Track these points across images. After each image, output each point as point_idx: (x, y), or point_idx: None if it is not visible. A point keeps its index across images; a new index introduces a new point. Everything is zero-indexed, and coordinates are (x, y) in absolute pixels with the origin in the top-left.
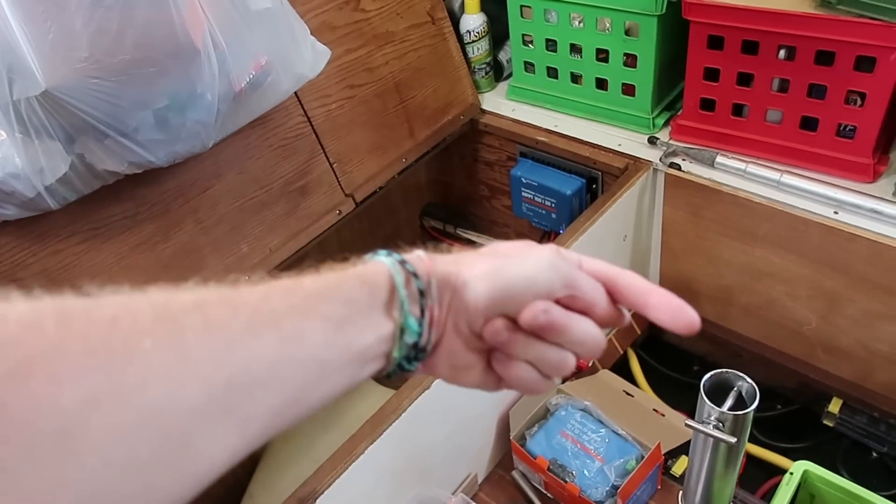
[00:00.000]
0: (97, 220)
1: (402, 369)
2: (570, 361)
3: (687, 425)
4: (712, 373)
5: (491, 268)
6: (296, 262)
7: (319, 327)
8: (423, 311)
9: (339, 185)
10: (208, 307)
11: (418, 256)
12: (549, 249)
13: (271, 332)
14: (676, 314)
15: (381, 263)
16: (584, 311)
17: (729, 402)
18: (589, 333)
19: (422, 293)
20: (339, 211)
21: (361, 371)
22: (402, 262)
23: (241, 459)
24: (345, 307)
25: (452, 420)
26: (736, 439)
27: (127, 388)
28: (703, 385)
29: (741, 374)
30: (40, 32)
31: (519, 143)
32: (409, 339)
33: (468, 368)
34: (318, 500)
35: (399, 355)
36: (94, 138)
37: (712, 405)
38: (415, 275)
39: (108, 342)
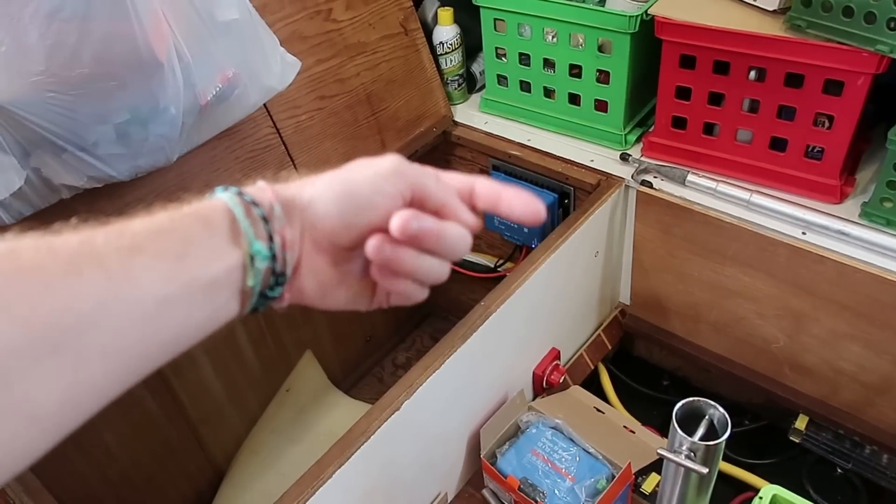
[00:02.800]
0: None
1: (266, 298)
2: (447, 268)
3: (659, 454)
4: (684, 401)
5: (333, 180)
6: None
7: (152, 263)
8: (271, 237)
9: None
10: (21, 251)
11: (258, 187)
12: (391, 157)
13: (95, 272)
14: (526, 205)
15: (217, 199)
16: (438, 215)
17: (700, 432)
18: (459, 235)
19: (265, 219)
20: None
21: (216, 304)
22: (240, 194)
23: (88, 399)
24: (181, 243)
25: (422, 439)
26: (707, 469)
27: None
28: (675, 414)
29: (712, 403)
30: None
31: (491, 157)
32: (261, 264)
33: (338, 285)
34: None
35: (255, 282)
36: (51, 153)
37: (684, 435)
38: (254, 203)
39: None
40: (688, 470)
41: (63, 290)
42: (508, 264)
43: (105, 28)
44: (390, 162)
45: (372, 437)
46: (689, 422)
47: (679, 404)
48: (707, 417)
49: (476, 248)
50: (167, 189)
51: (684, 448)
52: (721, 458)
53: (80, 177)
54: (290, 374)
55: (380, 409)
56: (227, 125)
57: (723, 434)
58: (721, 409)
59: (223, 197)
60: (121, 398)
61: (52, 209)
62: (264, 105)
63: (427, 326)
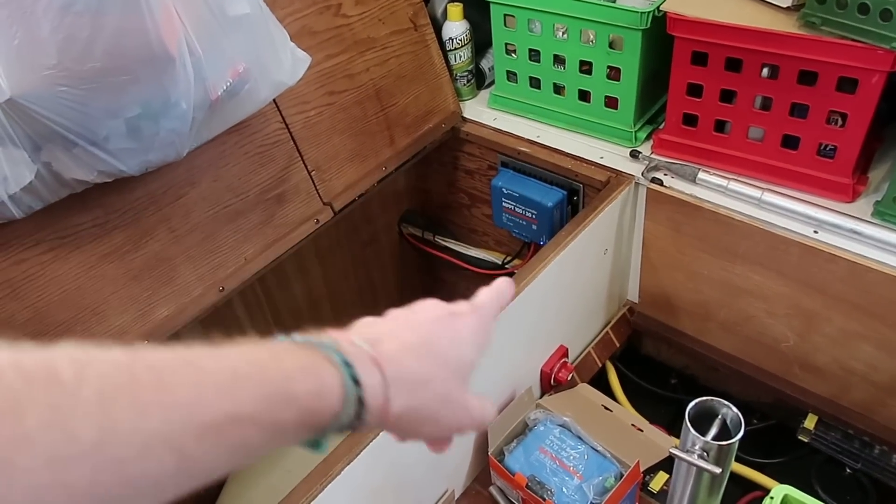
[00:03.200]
0: (64, 229)
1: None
2: None
3: (671, 453)
4: (697, 401)
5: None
6: (272, 273)
7: (226, 453)
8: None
9: (318, 193)
10: (111, 409)
11: (367, 364)
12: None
13: (169, 456)
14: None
15: (333, 381)
16: None
17: (713, 431)
18: None
19: (361, 401)
20: (317, 220)
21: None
22: (356, 381)
23: None
24: (293, 426)
25: None
26: (721, 469)
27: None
28: (688, 413)
29: (725, 402)
30: (5, 39)
31: (500, 153)
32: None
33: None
34: None
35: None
36: (61, 147)
37: (697, 434)
38: (359, 386)
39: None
40: (700, 470)
41: (134, 473)
42: (516, 261)
43: (117, 22)
44: (471, 326)
45: (380, 434)
46: (702, 421)
47: (692, 403)
48: (720, 417)
49: (483, 245)
50: (176, 184)
51: (697, 447)
52: (734, 457)
53: (90, 171)
54: None
55: None
56: (237, 120)
57: (736, 434)
58: (734, 409)
59: (343, 390)
60: None
61: (63, 203)
62: (274, 100)
63: None
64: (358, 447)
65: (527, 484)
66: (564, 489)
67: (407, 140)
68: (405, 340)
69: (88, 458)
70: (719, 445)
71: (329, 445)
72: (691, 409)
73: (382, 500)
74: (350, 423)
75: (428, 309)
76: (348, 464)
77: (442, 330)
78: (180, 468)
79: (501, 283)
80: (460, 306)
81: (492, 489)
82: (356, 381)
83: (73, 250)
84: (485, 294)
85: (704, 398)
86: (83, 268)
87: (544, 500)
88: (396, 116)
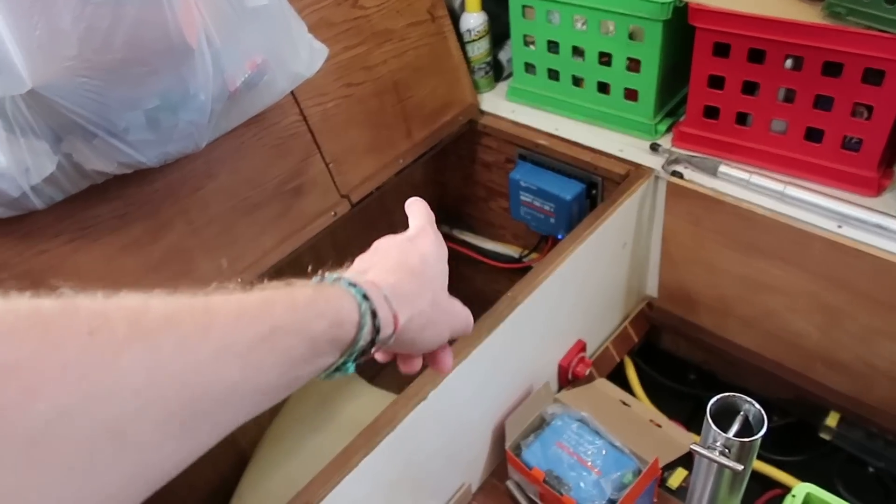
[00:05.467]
0: (85, 220)
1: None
2: None
3: (692, 449)
4: (719, 396)
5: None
6: (289, 265)
7: (281, 362)
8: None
9: (335, 185)
10: (182, 325)
11: (375, 292)
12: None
13: (235, 361)
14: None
15: (351, 306)
16: None
17: (735, 428)
18: None
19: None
20: (335, 212)
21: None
22: (372, 313)
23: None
24: (311, 351)
25: (448, 430)
26: (742, 467)
27: (97, 402)
28: (710, 409)
29: (748, 399)
30: (26, 29)
31: (518, 146)
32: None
33: None
34: None
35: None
36: (82, 138)
37: (718, 430)
38: (374, 313)
39: (84, 356)
40: (721, 467)
41: (209, 374)
42: (533, 255)
43: (137, 13)
44: (430, 243)
45: (398, 426)
46: (723, 417)
47: (713, 400)
48: (742, 413)
49: (501, 238)
50: (195, 176)
51: (718, 444)
52: (755, 454)
53: (110, 163)
54: None
55: (406, 399)
56: (256, 112)
57: (758, 431)
58: (757, 406)
59: (358, 307)
60: None
61: (83, 195)
62: (291, 92)
63: None
64: (376, 439)
65: (544, 478)
66: (582, 484)
67: (424, 132)
68: (385, 267)
69: (173, 363)
70: (741, 442)
71: (353, 369)
72: (713, 405)
73: (399, 493)
74: (371, 338)
75: (388, 241)
76: (366, 455)
77: (408, 252)
78: (246, 373)
79: (421, 204)
80: (411, 231)
81: (508, 483)
82: (366, 297)
83: (93, 242)
84: (419, 216)
85: (726, 394)
86: (103, 259)
87: (562, 494)
88: (413, 109)
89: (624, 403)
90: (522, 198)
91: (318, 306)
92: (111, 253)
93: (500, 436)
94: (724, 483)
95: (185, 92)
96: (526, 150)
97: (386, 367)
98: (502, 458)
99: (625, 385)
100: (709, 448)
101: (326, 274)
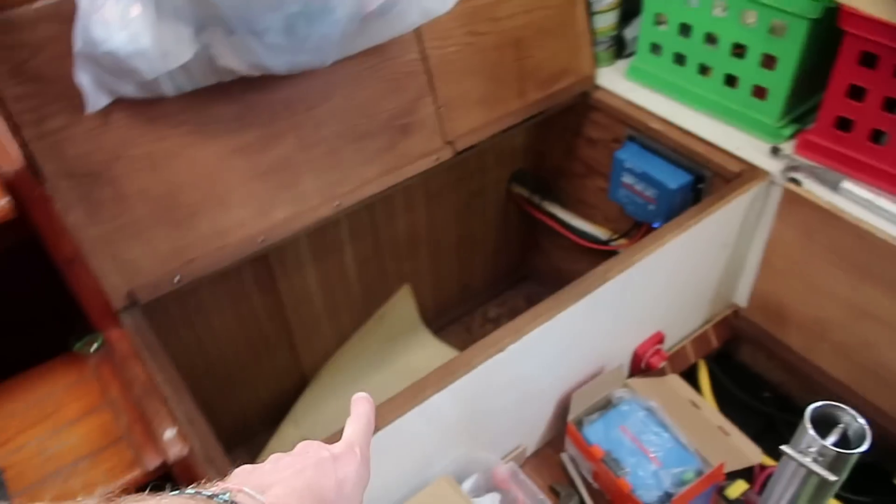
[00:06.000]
0: (206, 116)
1: None
2: None
3: (782, 451)
4: (820, 403)
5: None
6: (381, 202)
7: None
8: None
9: (442, 130)
10: None
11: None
12: (350, 459)
13: None
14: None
15: None
16: None
17: (833, 438)
18: None
19: None
20: (437, 157)
21: None
22: None
23: None
24: None
25: (516, 388)
26: (837, 478)
27: None
28: (809, 413)
29: (851, 411)
30: None
31: (629, 126)
32: None
33: None
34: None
35: None
36: (222, 32)
37: (815, 436)
38: None
39: None
40: (809, 474)
41: None
42: (622, 240)
43: None
44: (353, 470)
45: (472, 371)
46: (819, 426)
47: (814, 405)
48: (841, 425)
49: (591, 218)
50: (312, 95)
51: (813, 450)
52: (849, 470)
53: (242, 62)
54: (386, 303)
55: (484, 346)
56: (382, 40)
57: (858, 445)
58: (861, 420)
59: None
60: (232, 289)
61: (208, 91)
62: (416, 29)
63: (523, 288)
64: (448, 378)
65: (603, 458)
66: (641, 472)
67: (537, 95)
68: (293, 486)
69: None
70: (839, 453)
71: None
72: (813, 410)
73: (456, 437)
74: None
75: (311, 454)
76: (436, 393)
77: (325, 475)
78: None
79: (365, 410)
80: (339, 447)
81: (563, 456)
82: None
83: (210, 138)
84: (355, 426)
85: (827, 402)
86: (215, 157)
87: (618, 476)
88: (531, 69)
89: (694, 404)
90: (624, 179)
91: None
92: (224, 153)
93: (564, 407)
94: (808, 492)
95: (325, 4)
96: (636, 132)
97: (453, 324)
98: (562, 429)
99: (695, 387)
100: (802, 453)
101: (217, 488)
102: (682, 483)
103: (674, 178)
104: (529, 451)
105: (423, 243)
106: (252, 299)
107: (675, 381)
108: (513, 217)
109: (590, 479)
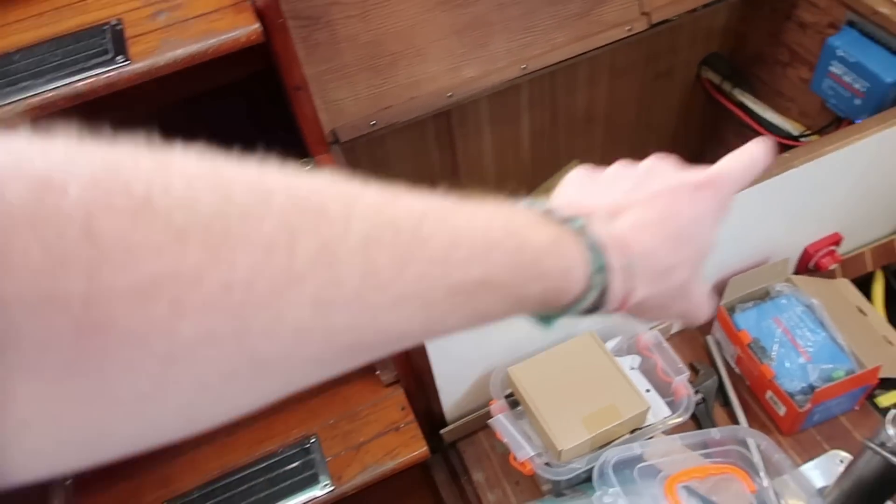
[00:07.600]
0: None
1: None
2: None
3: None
4: None
5: (665, 238)
6: (564, 71)
7: (466, 317)
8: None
9: (640, 0)
10: (375, 254)
11: (607, 235)
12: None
13: (420, 312)
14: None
15: (575, 254)
16: None
17: None
18: None
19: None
20: (630, 28)
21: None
22: (596, 250)
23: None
24: (510, 310)
25: None
26: None
27: (250, 335)
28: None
29: None
30: None
31: (851, 9)
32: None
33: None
34: None
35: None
36: None
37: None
38: (603, 255)
39: (253, 281)
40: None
41: (384, 322)
42: (815, 137)
43: None
44: (711, 206)
45: None
46: None
47: None
48: None
49: (785, 112)
50: None
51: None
52: None
53: None
54: (553, 176)
55: None
56: None
57: None
58: None
59: (588, 278)
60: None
61: None
62: None
63: None
64: None
65: (750, 343)
66: (787, 363)
67: None
68: (645, 216)
69: (350, 305)
70: None
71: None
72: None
73: None
74: (587, 309)
75: (665, 174)
76: None
77: (683, 205)
78: (425, 325)
79: (756, 150)
80: (701, 175)
81: (708, 338)
82: (603, 269)
83: None
84: (733, 160)
85: None
86: (421, 9)
87: (762, 362)
88: None
89: (860, 310)
90: (832, 69)
91: (544, 265)
92: (429, 5)
93: (718, 290)
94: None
95: None
96: (858, 17)
97: None
98: (712, 313)
99: (866, 296)
100: (882, 446)
101: (570, 209)
102: (829, 379)
103: (891, 71)
104: (675, 328)
105: (599, 121)
106: (431, 155)
107: (844, 285)
108: (698, 104)
109: (732, 364)
